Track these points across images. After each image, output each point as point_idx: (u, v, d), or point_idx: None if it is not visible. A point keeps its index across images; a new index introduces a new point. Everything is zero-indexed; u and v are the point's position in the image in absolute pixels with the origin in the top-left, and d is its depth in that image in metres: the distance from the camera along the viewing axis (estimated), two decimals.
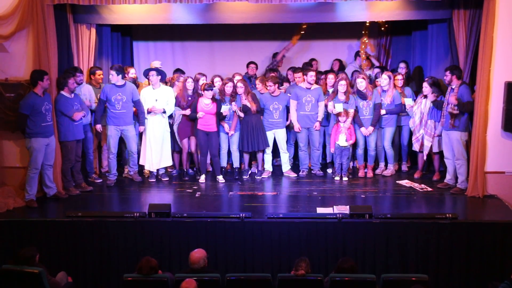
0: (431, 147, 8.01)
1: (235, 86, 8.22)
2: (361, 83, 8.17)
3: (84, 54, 8.34)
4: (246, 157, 8.57)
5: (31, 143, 7.12)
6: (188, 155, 8.57)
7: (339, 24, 8.98)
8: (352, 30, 9.85)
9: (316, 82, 8.50)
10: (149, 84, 8.31)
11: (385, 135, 8.36)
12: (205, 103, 8.02)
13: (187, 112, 8.12)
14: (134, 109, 8.09)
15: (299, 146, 8.56)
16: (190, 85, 8.22)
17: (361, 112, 8.23)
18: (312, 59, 9.82)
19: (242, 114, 8.17)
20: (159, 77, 8.15)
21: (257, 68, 9.46)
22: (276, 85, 8.30)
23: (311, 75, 8.28)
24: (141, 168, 8.56)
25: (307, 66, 9.26)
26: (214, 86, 8.34)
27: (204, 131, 8.07)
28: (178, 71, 8.92)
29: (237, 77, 8.54)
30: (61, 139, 7.55)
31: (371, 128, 8.19)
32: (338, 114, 8.12)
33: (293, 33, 9.82)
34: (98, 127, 8.00)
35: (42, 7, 7.22)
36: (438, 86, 8.03)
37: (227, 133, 8.32)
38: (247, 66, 9.42)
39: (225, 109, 8.05)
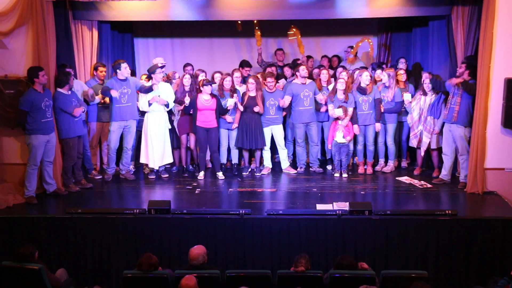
0: (429, 143, 8.01)
1: (233, 81, 8.25)
2: (366, 77, 8.18)
3: (86, 51, 8.35)
4: (246, 154, 8.58)
5: (31, 140, 7.12)
6: (188, 151, 8.59)
7: (339, 21, 8.99)
8: (354, 26, 9.83)
9: (312, 78, 8.52)
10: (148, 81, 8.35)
11: (387, 131, 8.36)
12: (204, 99, 8.02)
13: (186, 101, 8.10)
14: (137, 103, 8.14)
15: (296, 142, 8.56)
16: (187, 81, 8.25)
17: (360, 107, 8.24)
18: (309, 56, 9.80)
19: (242, 108, 8.18)
20: (163, 74, 8.20)
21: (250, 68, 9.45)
22: (275, 80, 8.35)
23: (303, 69, 8.30)
24: (138, 165, 8.61)
25: (296, 62, 9.27)
26: (215, 83, 8.37)
27: (204, 127, 8.07)
28: (189, 65, 9.00)
29: (236, 74, 8.54)
30: (62, 136, 7.53)
31: (378, 125, 8.21)
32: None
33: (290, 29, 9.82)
34: (114, 92, 7.79)
35: (42, 3, 7.21)
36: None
37: (228, 129, 8.34)
38: (242, 67, 9.40)
39: (231, 102, 8.04)
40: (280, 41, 10.17)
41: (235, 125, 8.28)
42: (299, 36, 9.63)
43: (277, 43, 10.16)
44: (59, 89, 7.48)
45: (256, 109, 8.10)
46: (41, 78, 7.09)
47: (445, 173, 7.85)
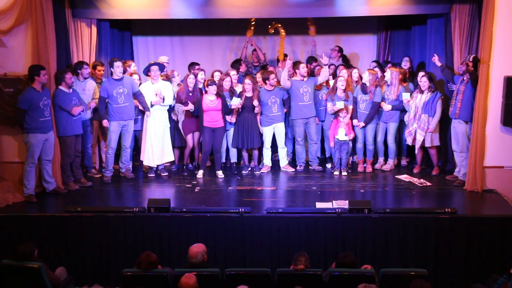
0: (423, 141, 8.01)
1: (232, 81, 8.25)
2: (364, 75, 8.20)
3: (85, 49, 8.35)
4: (246, 154, 8.58)
5: (29, 138, 7.11)
6: (190, 150, 8.59)
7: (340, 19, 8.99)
8: (354, 24, 9.82)
9: (313, 75, 8.53)
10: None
11: (389, 130, 8.37)
12: (209, 99, 8.02)
13: (189, 107, 8.11)
14: (135, 101, 8.10)
15: (296, 140, 8.57)
16: (191, 81, 8.23)
17: (358, 105, 8.26)
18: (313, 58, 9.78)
19: (240, 110, 8.19)
20: (159, 72, 8.16)
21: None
22: (276, 76, 8.39)
23: (303, 67, 8.30)
24: (136, 163, 8.63)
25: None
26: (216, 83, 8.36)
27: (211, 127, 8.07)
28: (193, 64, 8.98)
29: (233, 73, 8.54)
30: (60, 134, 7.55)
31: (362, 124, 8.20)
32: (339, 111, 8.13)
33: (292, 28, 9.79)
34: (105, 122, 7.92)
35: (41, 1, 7.21)
36: (433, 80, 8.06)
37: (226, 129, 8.33)
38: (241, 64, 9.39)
39: (235, 101, 8.03)
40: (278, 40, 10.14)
41: (233, 119, 8.23)
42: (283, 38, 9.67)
43: (277, 41, 10.14)
44: (59, 87, 7.49)
45: (255, 103, 8.10)
46: (42, 77, 7.09)
47: (457, 170, 7.86)
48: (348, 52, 10.12)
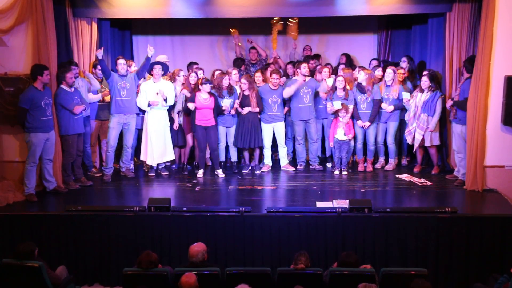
0: (422, 140, 8.02)
1: (230, 80, 8.25)
2: (359, 75, 8.20)
3: (85, 48, 8.37)
4: (246, 153, 8.58)
5: (30, 138, 7.12)
6: (189, 149, 8.59)
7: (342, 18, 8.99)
8: (354, 23, 9.82)
9: (313, 76, 8.54)
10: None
11: (388, 130, 8.37)
12: (203, 97, 8.03)
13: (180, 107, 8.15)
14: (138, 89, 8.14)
15: (296, 139, 8.57)
16: (193, 79, 8.26)
17: (359, 106, 8.25)
18: (316, 55, 9.79)
19: (241, 110, 8.18)
20: (162, 71, 8.17)
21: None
22: (281, 77, 8.38)
23: (304, 66, 8.30)
24: (138, 163, 8.64)
25: (305, 60, 9.25)
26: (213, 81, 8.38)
27: (203, 126, 8.08)
28: (192, 63, 9.00)
29: (234, 72, 8.54)
30: (61, 133, 7.56)
31: (367, 123, 8.20)
32: (337, 110, 8.13)
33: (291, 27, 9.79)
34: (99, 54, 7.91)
35: (41, 0, 7.21)
36: (436, 79, 8.06)
37: (226, 127, 8.33)
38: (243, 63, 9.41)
39: (226, 103, 8.05)
40: (280, 39, 10.13)
41: (232, 110, 8.21)
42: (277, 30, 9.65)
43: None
44: (61, 86, 7.49)
45: (245, 111, 8.11)
46: (44, 77, 7.10)
47: (457, 170, 7.88)
48: (349, 52, 10.12)
